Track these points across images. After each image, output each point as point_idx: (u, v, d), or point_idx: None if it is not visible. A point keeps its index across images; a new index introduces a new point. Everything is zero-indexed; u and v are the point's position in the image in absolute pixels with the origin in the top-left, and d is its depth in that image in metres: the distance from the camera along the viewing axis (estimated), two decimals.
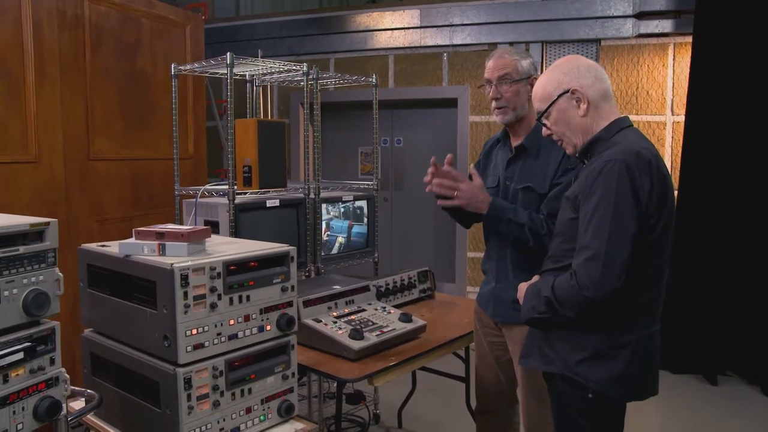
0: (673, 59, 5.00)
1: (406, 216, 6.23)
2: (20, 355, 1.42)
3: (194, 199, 2.90)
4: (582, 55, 5.12)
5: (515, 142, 2.42)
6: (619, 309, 1.76)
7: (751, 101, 4.39)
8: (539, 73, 2.37)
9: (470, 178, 2.34)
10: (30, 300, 1.43)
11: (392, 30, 5.74)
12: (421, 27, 5.63)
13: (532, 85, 2.30)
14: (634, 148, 1.76)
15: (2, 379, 1.39)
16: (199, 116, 4.50)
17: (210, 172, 4.99)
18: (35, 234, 1.46)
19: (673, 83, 5.01)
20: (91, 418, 2.09)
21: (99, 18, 3.65)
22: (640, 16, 5.00)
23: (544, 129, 1.96)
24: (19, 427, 1.43)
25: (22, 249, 1.42)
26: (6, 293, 1.39)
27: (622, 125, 1.88)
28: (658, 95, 5.06)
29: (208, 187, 2.95)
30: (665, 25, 4.97)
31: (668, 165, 5.01)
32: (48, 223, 1.48)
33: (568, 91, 1.86)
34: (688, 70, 4.68)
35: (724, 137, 4.48)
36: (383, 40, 5.79)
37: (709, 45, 4.50)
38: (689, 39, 4.71)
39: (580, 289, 1.70)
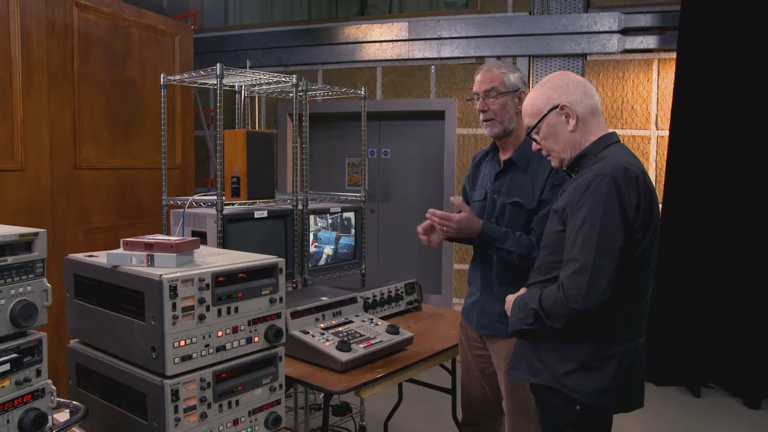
0: (658, 74, 5.07)
1: (393, 227, 6.24)
2: (6, 367, 1.41)
3: (182, 210, 2.89)
4: (568, 69, 5.19)
5: (504, 156, 2.44)
6: (606, 321, 1.78)
7: (733, 116, 4.47)
8: (527, 87, 2.40)
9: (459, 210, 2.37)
10: (18, 311, 1.42)
11: (381, 42, 5.77)
12: (409, 39, 5.67)
13: (520, 99, 2.34)
14: (621, 164, 1.79)
15: None
16: (187, 126, 4.50)
17: (197, 181, 4.98)
18: (23, 244, 1.45)
19: (658, 98, 5.08)
20: (76, 430, 2.07)
21: (88, 26, 3.65)
22: (626, 32, 5.07)
23: (533, 144, 1.99)
24: None
25: (10, 259, 1.42)
26: None
27: (610, 141, 1.91)
28: (642, 110, 5.13)
29: (196, 197, 2.94)
30: (650, 41, 5.04)
31: (653, 178, 5.07)
32: (37, 234, 1.48)
33: (557, 107, 1.89)
34: (672, 85, 4.75)
35: (707, 151, 4.55)
36: (371, 52, 5.82)
37: (693, 61, 4.58)
38: (673, 55, 4.78)
39: (568, 301, 1.72)
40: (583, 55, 5.20)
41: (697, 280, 4.57)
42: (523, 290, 1.98)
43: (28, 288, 1.46)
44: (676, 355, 4.53)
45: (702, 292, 4.56)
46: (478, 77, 2.42)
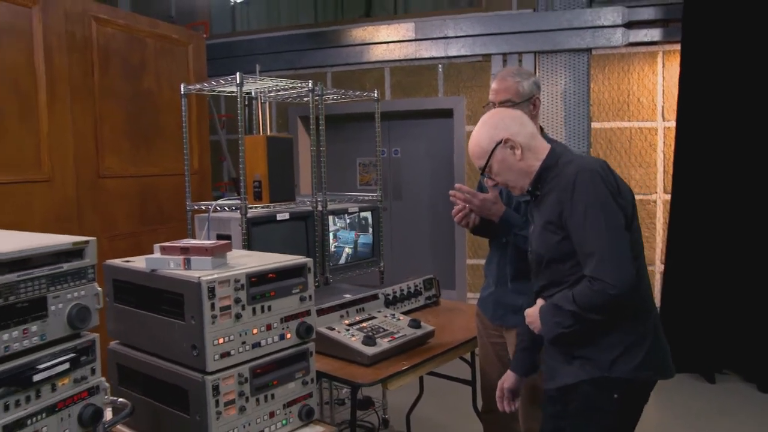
0: (663, 66, 5.14)
1: (405, 225, 6.33)
2: (66, 366, 1.51)
3: (206, 214, 2.99)
4: (574, 64, 5.28)
5: None
6: (635, 298, 1.88)
7: (738, 105, 4.53)
8: (540, 90, 2.50)
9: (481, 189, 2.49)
10: (74, 314, 1.52)
11: (388, 43, 5.86)
12: (416, 40, 5.76)
13: (534, 105, 2.47)
14: (590, 159, 1.96)
15: (51, 388, 1.48)
16: (203, 132, 4.61)
17: (212, 185, 5.08)
18: (76, 252, 1.56)
19: (663, 90, 5.14)
20: (120, 427, 2.18)
21: (106, 39, 3.76)
22: (630, 25, 5.14)
23: (489, 181, 2.09)
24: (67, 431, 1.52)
25: (65, 266, 1.52)
26: (53, 308, 1.48)
27: (561, 151, 2.04)
28: (648, 102, 5.20)
29: (220, 202, 3.04)
30: (654, 34, 5.11)
31: (660, 169, 5.15)
32: (87, 242, 1.58)
33: (501, 142, 2.00)
34: (677, 77, 4.82)
35: (714, 141, 4.62)
36: (379, 53, 5.92)
37: (697, 52, 4.65)
38: (677, 47, 4.85)
39: (605, 290, 1.79)
40: (588, 50, 5.27)
41: (709, 269, 4.64)
42: (540, 302, 2.03)
43: (82, 292, 1.56)
44: (690, 342, 4.60)
45: (715, 280, 4.62)
46: (493, 86, 2.51)
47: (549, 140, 2.24)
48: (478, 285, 5.65)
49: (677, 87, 4.81)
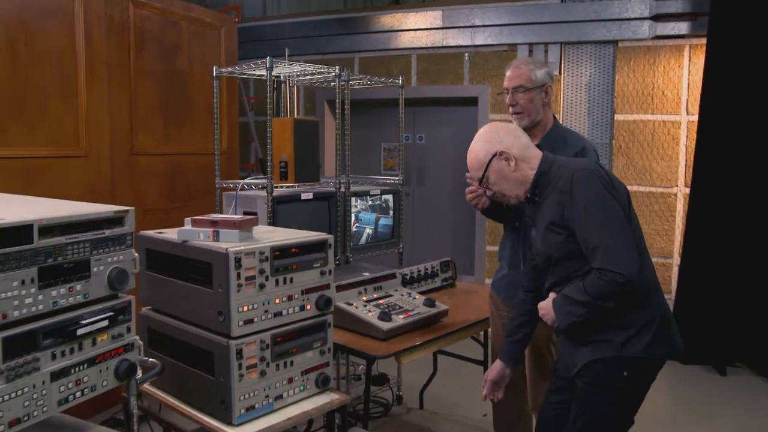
0: (689, 60, 5.15)
1: (427, 210, 6.43)
2: (105, 323, 1.66)
3: (234, 192, 3.13)
4: (600, 55, 5.31)
5: (533, 143, 2.64)
6: (642, 283, 2.00)
7: (762, 102, 4.54)
8: (553, 80, 2.59)
9: None
10: (114, 276, 1.67)
11: (415, 30, 5.94)
12: (443, 28, 5.83)
13: (546, 93, 2.59)
14: (582, 161, 2.16)
15: (92, 342, 1.63)
16: (233, 113, 4.75)
17: (239, 166, 5.23)
18: (117, 219, 1.70)
19: (689, 84, 5.16)
20: (147, 387, 2.34)
21: (143, 22, 3.91)
22: (657, 18, 5.15)
23: (487, 191, 2.24)
24: (104, 384, 1.67)
25: (107, 232, 1.66)
26: (95, 269, 1.63)
27: (552, 157, 2.17)
28: (673, 95, 5.22)
29: (247, 180, 3.18)
30: (681, 27, 5.12)
31: (682, 162, 5.18)
32: (127, 211, 1.72)
33: (496, 154, 2.15)
34: (702, 71, 4.83)
35: (736, 136, 4.64)
36: (406, 40, 6.00)
37: (723, 46, 4.66)
38: (704, 41, 4.86)
39: (614, 279, 1.91)
40: (615, 42, 5.30)
41: (724, 262, 4.67)
42: (552, 295, 2.14)
43: (121, 257, 1.70)
44: (702, 334, 4.65)
45: (730, 274, 4.66)
46: (508, 73, 2.64)
47: (556, 131, 2.44)
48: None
49: (701, 81, 4.82)
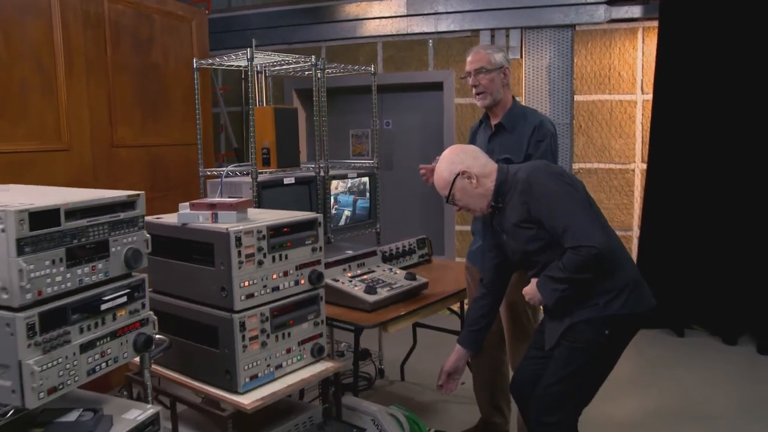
0: (642, 42, 5.41)
1: (396, 194, 6.60)
2: (124, 299, 1.80)
3: (218, 179, 3.27)
4: (558, 39, 5.54)
5: (494, 121, 2.91)
6: (611, 252, 2.22)
7: (712, 80, 4.84)
8: (509, 63, 2.84)
9: None
10: (129, 255, 1.81)
11: (380, 18, 6.08)
12: (407, 15, 5.98)
13: (505, 74, 2.85)
14: (533, 162, 2.47)
15: (113, 317, 1.77)
16: (206, 104, 4.85)
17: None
18: (130, 203, 1.84)
19: (643, 64, 5.42)
20: (155, 367, 2.46)
21: (117, 16, 3.99)
22: (612, 2, 5.39)
23: (454, 207, 2.48)
24: (125, 355, 1.82)
25: (122, 215, 1.80)
26: (113, 249, 1.77)
27: (507, 167, 2.44)
28: (629, 76, 5.48)
29: (231, 167, 3.31)
30: (635, 11, 5.37)
31: (639, 139, 5.46)
32: (138, 195, 1.86)
33: (459, 174, 2.39)
34: (655, 52, 5.10)
35: (688, 113, 4.93)
36: (372, 28, 6.14)
37: (674, 29, 4.93)
38: (657, 23, 5.12)
39: (588, 252, 2.14)
40: (572, 26, 5.53)
41: (681, 233, 4.98)
42: (534, 280, 2.36)
43: (134, 238, 1.84)
44: (661, 300, 4.85)
45: (686, 244, 4.97)
46: (469, 58, 2.89)
47: (515, 109, 2.79)
48: (465, 251, 5.96)
49: (655, 62, 5.09)
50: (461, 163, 2.40)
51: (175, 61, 4.45)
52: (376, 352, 4.19)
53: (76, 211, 1.66)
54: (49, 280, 1.58)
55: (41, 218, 1.55)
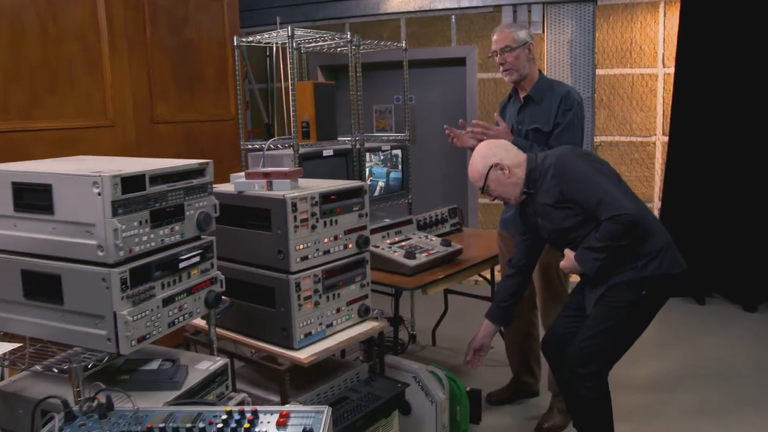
0: (664, 16, 5.47)
1: (419, 169, 6.72)
2: (197, 259, 1.96)
3: (260, 152, 3.41)
4: (580, 15, 5.60)
5: (523, 94, 3.05)
6: (646, 219, 2.41)
7: (733, 53, 4.90)
8: (533, 39, 3.01)
9: (497, 123, 2.93)
10: (201, 218, 1.96)
11: None
12: None
13: (529, 50, 3.00)
14: (559, 148, 2.63)
15: (188, 275, 1.93)
16: (241, 81, 4.98)
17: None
18: (200, 170, 1.99)
19: (664, 38, 5.49)
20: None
21: None
22: None
23: (489, 197, 2.65)
24: (198, 310, 1.99)
25: (194, 181, 1.95)
26: (188, 213, 1.92)
27: (535, 155, 2.60)
28: (650, 50, 5.55)
29: (273, 140, 3.46)
30: None
31: (659, 113, 5.55)
32: (208, 163, 2.01)
33: (492, 166, 2.56)
34: (677, 27, 5.16)
35: (709, 86, 5.00)
36: (395, 4, 6.23)
37: (696, 2, 4.99)
38: None
39: (625, 219, 2.31)
40: (594, 1, 5.59)
41: (701, 204, 5.09)
42: (570, 253, 2.51)
43: (204, 202, 2.00)
44: None
45: (706, 214, 5.08)
46: (494, 37, 3.05)
47: (542, 81, 2.95)
48: (489, 222, 6.12)
49: (676, 36, 5.16)
50: (494, 156, 2.58)
51: (208, 39, 4.58)
52: (408, 319, 4.35)
53: (157, 177, 1.81)
54: (137, 240, 1.73)
55: (130, 183, 1.70)
